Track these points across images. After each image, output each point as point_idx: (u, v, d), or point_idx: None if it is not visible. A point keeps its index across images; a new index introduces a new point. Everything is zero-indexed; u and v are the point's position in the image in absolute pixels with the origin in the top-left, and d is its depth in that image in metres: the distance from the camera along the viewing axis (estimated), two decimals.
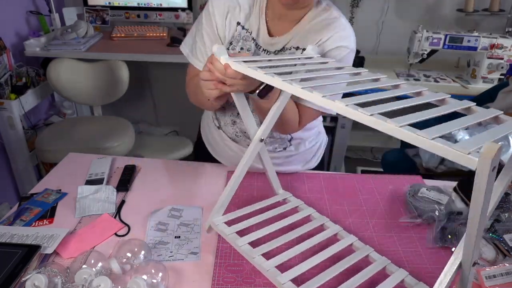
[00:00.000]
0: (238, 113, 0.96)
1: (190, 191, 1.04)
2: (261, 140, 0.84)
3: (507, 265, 0.73)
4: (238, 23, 0.97)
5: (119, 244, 0.80)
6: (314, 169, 1.21)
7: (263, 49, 0.97)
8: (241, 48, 0.97)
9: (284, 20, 0.96)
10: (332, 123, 2.28)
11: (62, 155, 1.18)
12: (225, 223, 0.86)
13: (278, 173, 0.98)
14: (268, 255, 0.77)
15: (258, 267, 0.75)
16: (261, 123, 0.84)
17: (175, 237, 0.89)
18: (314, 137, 1.17)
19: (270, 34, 0.97)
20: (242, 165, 0.84)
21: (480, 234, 0.50)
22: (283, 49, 0.96)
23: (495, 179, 0.48)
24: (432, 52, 2.09)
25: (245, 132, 1.06)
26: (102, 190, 0.99)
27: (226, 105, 1.05)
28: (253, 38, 0.97)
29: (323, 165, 1.26)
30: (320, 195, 1.05)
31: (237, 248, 0.80)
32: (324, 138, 1.24)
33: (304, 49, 0.90)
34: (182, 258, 0.83)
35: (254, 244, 0.80)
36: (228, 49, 0.97)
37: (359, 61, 2.14)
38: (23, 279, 0.70)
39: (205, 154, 1.22)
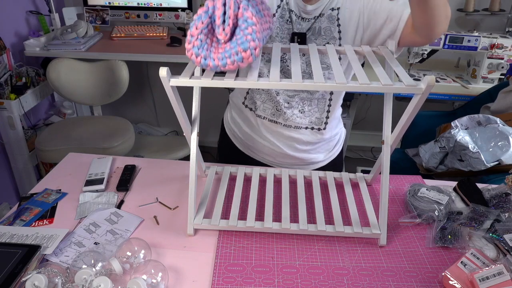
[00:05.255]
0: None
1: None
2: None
3: (498, 265, 0.73)
4: None
5: (119, 243, 0.80)
6: (334, 159, 1.25)
7: (302, 18, 1.02)
8: (281, 18, 1.03)
9: None
10: None
11: (62, 155, 1.18)
12: (205, 218, 0.90)
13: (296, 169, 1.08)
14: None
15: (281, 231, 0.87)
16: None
17: (95, 243, 0.83)
18: (338, 122, 1.20)
19: (305, 1, 1.00)
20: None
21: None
22: (320, 15, 1.00)
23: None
24: (432, 52, 2.09)
25: (288, 103, 1.08)
26: (104, 195, 0.99)
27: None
28: (290, 10, 1.02)
29: (342, 157, 1.30)
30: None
31: (241, 228, 0.86)
32: (343, 129, 1.26)
33: (338, 8, 0.98)
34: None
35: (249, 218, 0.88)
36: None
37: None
38: (23, 279, 0.70)
39: (232, 152, 1.24)
